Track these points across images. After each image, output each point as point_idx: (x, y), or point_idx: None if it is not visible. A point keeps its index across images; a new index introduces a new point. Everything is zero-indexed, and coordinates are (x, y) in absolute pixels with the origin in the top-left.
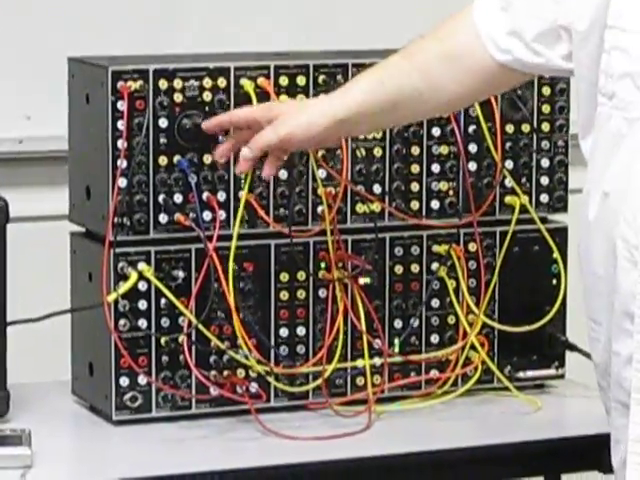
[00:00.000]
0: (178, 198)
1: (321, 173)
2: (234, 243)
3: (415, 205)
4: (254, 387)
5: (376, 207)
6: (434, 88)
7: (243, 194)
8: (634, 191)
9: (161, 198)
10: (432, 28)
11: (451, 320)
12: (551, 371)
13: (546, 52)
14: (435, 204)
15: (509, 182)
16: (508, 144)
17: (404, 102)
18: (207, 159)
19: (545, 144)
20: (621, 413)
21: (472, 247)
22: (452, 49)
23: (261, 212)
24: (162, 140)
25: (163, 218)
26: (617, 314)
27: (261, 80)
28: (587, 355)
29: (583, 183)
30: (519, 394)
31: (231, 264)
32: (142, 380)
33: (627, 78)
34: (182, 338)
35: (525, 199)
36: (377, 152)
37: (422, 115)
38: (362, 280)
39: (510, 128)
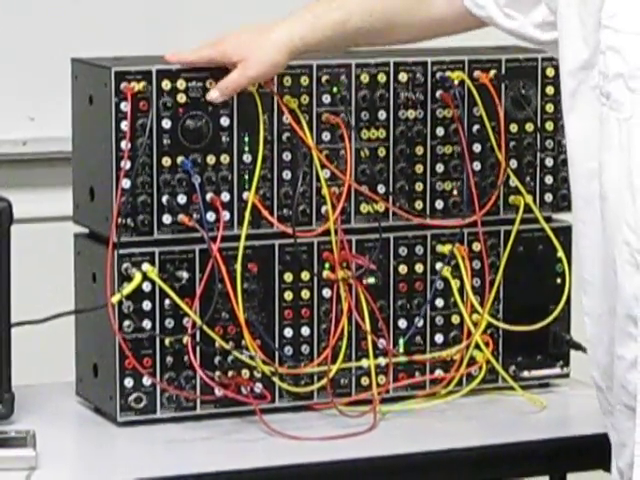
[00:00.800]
0: (182, 199)
1: (325, 173)
2: (242, 244)
3: (419, 205)
4: (259, 388)
5: (380, 207)
6: (392, 30)
7: (250, 195)
8: (632, 193)
9: (165, 199)
10: None
11: (455, 320)
12: (556, 370)
13: (519, 17)
14: (439, 204)
15: (513, 181)
16: (512, 143)
17: (358, 36)
18: (211, 160)
19: (549, 143)
20: (627, 416)
21: (476, 247)
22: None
23: (265, 212)
24: (166, 141)
25: (167, 219)
26: (620, 318)
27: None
28: None
29: None
30: (524, 393)
31: (239, 266)
32: (147, 381)
33: (620, 79)
34: (186, 339)
35: (529, 198)
36: (381, 152)
37: (372, 45)
38: (366, 280)
39: (514, 127)
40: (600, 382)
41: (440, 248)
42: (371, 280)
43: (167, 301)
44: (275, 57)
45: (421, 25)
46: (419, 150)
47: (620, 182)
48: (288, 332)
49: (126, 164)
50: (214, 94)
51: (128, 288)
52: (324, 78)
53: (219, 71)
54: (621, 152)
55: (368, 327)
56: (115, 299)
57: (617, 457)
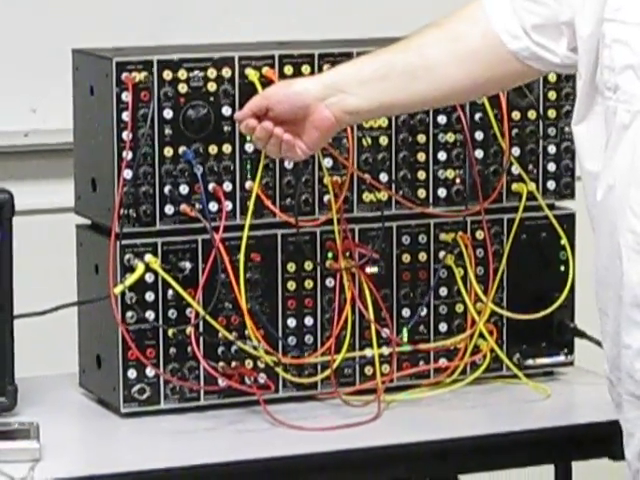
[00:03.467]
0: (184, 189)
1: (327, 162)
2: (245, 233)
3: (422, 193)
4: (262, 378)
5: (383, 196)
6: (429, 66)
7: (252, 185)
8: (639, 183)
9: (167, 189)
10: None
11: (459, 308)
12: (560, 358)
13: (551, 44)
14: (442, 192)
15: (516, 169)
16: (515, 131)
17: (395, 76)
18: (213, 149)
19: (552, 130)
20: (634, 406)
21: (480, 235)
22: (455, 33)
23: (267, 202)
24: (167, 131)
25: (169, 209)
26: (626, 306)
27: (266, 70)
28: (596, 342)
29: None
30: (528, 382)
31: (242, 255)
32: (150, 372)
33: (629, 70)
34: (190, 329)
35: (532, 186)
36: (383, 141)
37: (416, 96)
38: (369, 269)
39: (516, 115)
40: (610, 375)
41: (443, 236)
42: (374, 269)
43: (170, 292)
44: (303, 83)
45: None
46: (421, 138)
47: (629, 172)
48: (291, 322)
49: (128, 155)
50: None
51: (131, 279)
52: (326, 67)
53: (221, 60)
54: (631, 142)
55: (372, 316)
56: (118, 290)
57: (627, 447)
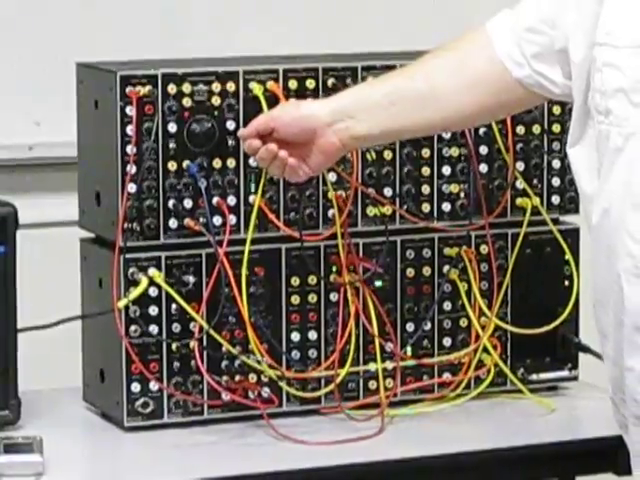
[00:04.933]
0: (188, 203)
1: (331, 176)
2: (247, 248)
3: (426, 208)
4: (266, 392)
5: (387, 210)
6: (437, 94)
7: (256, 199)
8: (635, 205)
9: (171, 203)
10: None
11: (463, 323)
12: (564, 373)
13: (550, 73)
14: (446, 206)
15: (520, 184)
16: (519, 145)
17: (404, 103)
18: (217, 163)
19: (556, 145)
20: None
21: (484, 249)
22: (462, 59)
23: (271, 216)
24: (171, 145)
25: (173, 223)
26: (628, 329)
27: (270, 84)
28: (600, 357)
29: None
30: (532, 396)
31: (244, 269)
32: (154, 386)
33: (620, 94)
34: (193, 343)
35: (537, 200)
36: (387, 155)
37: (425, 122)
38: (373, 283)
39: (521, 129)
40: (614, 397)
41: (447, 251)
42: (378, 283)
43: (174, 306)
44: (303, 114)
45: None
46: (425, 152)
47: (624, 195)
48: (295, 336)
49: (132, 168)
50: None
51: (134, 293)
52: (330, 81)
53: (225, 74)
54: (625, 165)
55: (376, 331)
56: (121, 304)
57: (634, 467)
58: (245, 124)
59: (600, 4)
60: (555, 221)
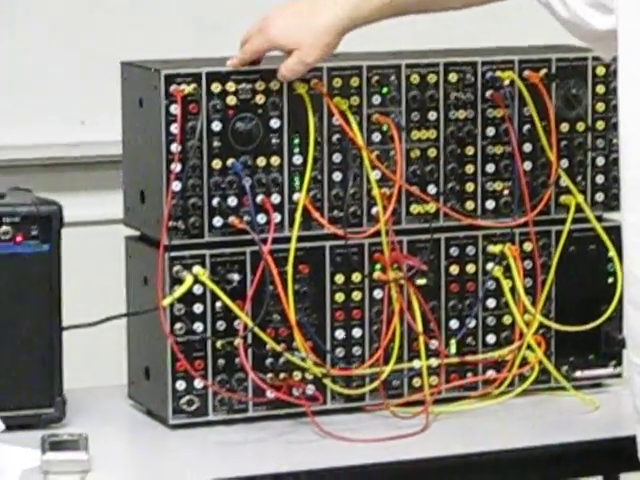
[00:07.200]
0: (232, 201)
1: (375, 174)
2: (293, 245)
3: (470, 205)
4: (310, 389)
5: (431, 208)
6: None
7: (300, 197)
8: None
9: (215, 201)
10: None
11: (507, 320)
12: (608, 370)
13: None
14: (490, 204)
15: (564, 181)
16: (563, 143)
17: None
18: (261, 162)
19: (600, 142)
20: None
21: (527, 247)
22: None
23: (316, 214)
24: (216, 143)
25: (217, 221)
26: None
27: (314, 82)
28: None
29: None
30: (576, 393)
31: (290, 267)
32: (198, 384)
33: None
34: (238, 341)
35: (580, 198)
36: (431, 153)
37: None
38: (418, 281)
39: (565, 127)
40: None
41: (491, 248)
42: (422, 281)
43: (218, 303)
44: (328, 40)
45: None
46: (469, 150)
47: None
48: (339, 334)
49: (176, 167)
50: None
51: (179, 291)
52: (374, 79)
53: (268, 72)
54: None
55: (420, 328)
56: (166, 302)
57: None
58: (289, 122)
59: None
60: (599, 218)
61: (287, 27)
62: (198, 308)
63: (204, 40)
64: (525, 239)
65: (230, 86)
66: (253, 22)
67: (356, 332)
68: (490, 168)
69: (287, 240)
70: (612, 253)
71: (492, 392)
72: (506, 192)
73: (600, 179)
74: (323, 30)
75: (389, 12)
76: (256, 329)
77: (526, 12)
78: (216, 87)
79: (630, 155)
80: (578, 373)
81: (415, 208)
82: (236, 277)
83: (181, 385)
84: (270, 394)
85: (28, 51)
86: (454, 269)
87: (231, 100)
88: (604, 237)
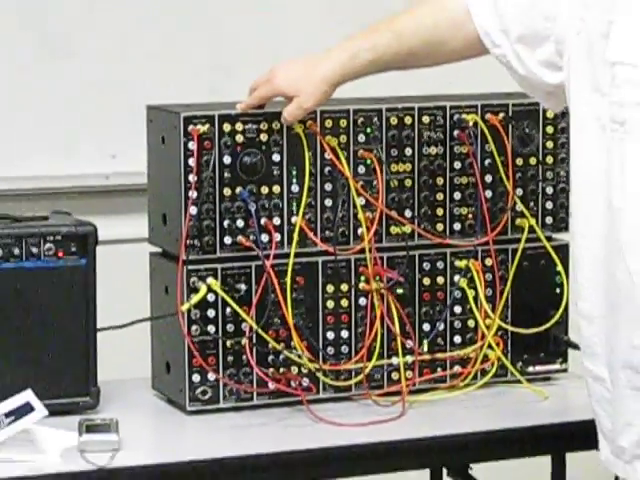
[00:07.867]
0: (240, 223)
1: (360, 200)
2: (291, 260)
3: (440, 227)
4: (305, 382)
5: (407, 229)
6: (414, 61)
7: (297, 220)
8: None
9: (226, 223)
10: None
11: (471, 324)
12: (556, 366)
13: (527, 54)
14: (457, 226)
15: (519, 207)
16: (518, 174)
17: (385, 56)
18: (264, 190)
19: (549, 174)
20: (634, 399)
21: (488, 262)
22: (440, 37)
23: (310, 234)
24: (226, 174)
25: (228, 240)
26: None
27: (309, 123)
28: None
29: None
30: (529, 386)
31: (289, 279)
32: (211, 377)
33: (638, 107)
34: (244, 341)
35: (533, 221)
36: (407, 183)
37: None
38: (396, 290)
39: (520, 161)
40: (600, 374)
41: (458, 263)
42: (400, 291)
43: (228, 309)
44: (324, 89)
45: (440, 58)
46: (440, 181)
47: (633, 195)
48: (330, 335)
49: (193, 194)
50: (283, 121)
51: (195, 298)
52: (359, 120)
53: (271, 114)
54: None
55: (397, 330)
56: (184, 308)
57: (617, 438)
58: (288, 157)
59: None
60: (548, 238)
61: (290, 78)
62: (211, 313)
63: (217, 87)
64: (486, 255)
65: (239, 126)
66: (261, 72)
67: (344, 333)
68: (457, 196)
69: (286, 256)
70: (559, 268)
71: (458, 384)
72: (470, 216)
73: (549, 205)
74: (320, 80)
75: (374, 69)
76: (260, 331)
77: (488, 66)
78: (227, 127)
79: (577, 185)
80: (530, 368)
81: (394, 229)
82: (243, 287)
83: (196, 378)
84: (271, 385)
85: (73, 94)
86: (426, 281)
87: (239, 138)
88: (553, 254)
